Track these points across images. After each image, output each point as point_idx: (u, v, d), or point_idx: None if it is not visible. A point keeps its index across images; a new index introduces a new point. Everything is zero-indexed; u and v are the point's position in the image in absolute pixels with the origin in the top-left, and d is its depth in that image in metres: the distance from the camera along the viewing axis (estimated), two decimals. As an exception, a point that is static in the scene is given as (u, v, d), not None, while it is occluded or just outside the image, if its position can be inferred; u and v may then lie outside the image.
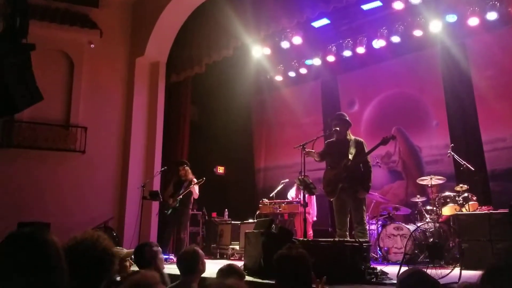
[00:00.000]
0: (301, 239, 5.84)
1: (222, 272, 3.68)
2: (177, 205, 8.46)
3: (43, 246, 1.78)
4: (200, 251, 3.90)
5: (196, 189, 8.56)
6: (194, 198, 8.84)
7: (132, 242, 9.30)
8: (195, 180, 8.56)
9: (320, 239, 5.72)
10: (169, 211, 8.55)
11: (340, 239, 5.78)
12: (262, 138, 13.77)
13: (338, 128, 6.47)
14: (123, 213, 10.56)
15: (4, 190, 9.73)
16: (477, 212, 7.00)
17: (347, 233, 6.31)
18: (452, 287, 4.14)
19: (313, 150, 6.45)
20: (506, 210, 6.18)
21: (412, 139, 10.53)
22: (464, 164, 7.81)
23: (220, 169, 13.45)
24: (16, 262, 1.69)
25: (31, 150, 10.10)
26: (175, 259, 6.15)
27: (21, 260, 1.71)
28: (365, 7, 9.95)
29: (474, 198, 7.54)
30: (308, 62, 11.64)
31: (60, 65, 10.80)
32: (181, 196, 8.44)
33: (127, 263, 4.12)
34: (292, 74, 12.12)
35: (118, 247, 3.86)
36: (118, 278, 3.19)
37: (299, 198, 9.22)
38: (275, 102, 13.30)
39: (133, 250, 4.59)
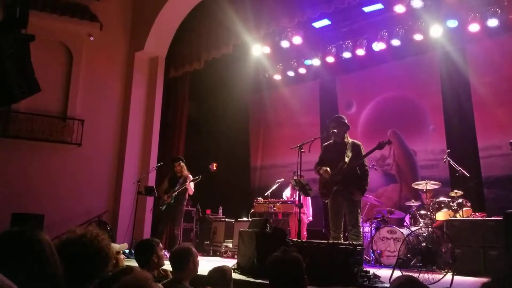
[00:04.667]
0: (295, 239, 5.84)
1: (212, 274, 3.74)
2: (172, 201, 8.41)
3: (36, 242, 1.80)
4: (194, 250, 3.90)
5: (191, 185, 8.53)
6: (189, 194, 8.81)
7: (126, 236, 9.30)
8: (190, 176, 8.51)
9: (314, 241, 5.72)
10: (164, 207, 8.50)
11: (334, 241, 5.78)
12: (259, 136, 13.77)
13: (335, 130, 6.46)
14: (117, 207, 10.54)
15: (-1, 180, 9.71)
16: (471, 218, 7.02)
17: (341, 235, 6.32)
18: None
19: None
20: (500, 218, 6.19)
21: (408, 142, 10.55)
22: (460, 170, 7.82)
23: (216, 166, 13.43)
24: (10, 259, 1.70)
25: (27, 141, 10.05)
26: (168, 255, 6.14)
27: (16, 255, 1.72)
28: (366, 9, 9.94)
29: (468, 204, 7.56)
30: (308, 62, 11.63)
31: (59, 57, 10.75)
32: (176, 193, 8.40)
33: (120, 257, 4.13)
34: (291, 73, 12.11)
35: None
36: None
37: (294, 198, 9.23)
38: (273, 101, 13.29)
39: (125, 244, 4.60)
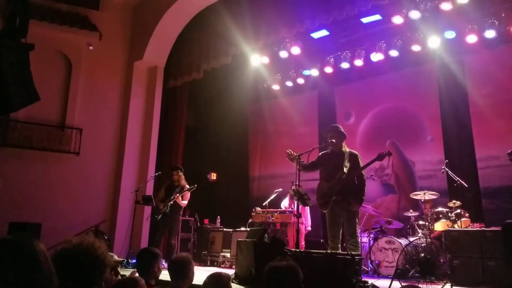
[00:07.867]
0: (293, 250, 5.82)
1: (209, 280, 3.70)
2: (167, 210, 8.32)
3: (30, 251, 1.79)
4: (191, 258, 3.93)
5: (187, 196, 8.45)
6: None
7: (123, 246, 9.27)
8: (187, 186, 8.47)
9: (312, 251, 5.70)
10: (159, 216, 8.39)
11: (332, 251, 5.77)
12: (258, 146, 13.77)
13: (334, 140, 6.46)
14: (115, 216, 10.51)
15: (-4, 189, 9.67)
16: (469, 229, 7.02)
17: (339, 245, 6.30)
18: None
19: (298, 156, 6.35)
20: (498, 228, 6.19)
21: (406, 153, 10.56)
22: (458, 180, 7.82)
23: (214, 176, 13.44)
24: (3, 268, 1.70)
25: (25, 150, 10.03)
26: (165, 265, 6.12)
27: (9, 264, 1.72)
28: (365, 20, 10.00)
29: (467, 214, 7.56)
30: (306, 72, 11.65)
31: (58, 66, 10.78)
32: (171, 202, 8.33)
33: (117, 270, 4.11)
34: (289, 83, 12.12)
35: (109, 253, 3.86)
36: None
37: (292, 208, 9.22)
38: (271, 111, 13.31)
39: (123, 259, 4.59)
